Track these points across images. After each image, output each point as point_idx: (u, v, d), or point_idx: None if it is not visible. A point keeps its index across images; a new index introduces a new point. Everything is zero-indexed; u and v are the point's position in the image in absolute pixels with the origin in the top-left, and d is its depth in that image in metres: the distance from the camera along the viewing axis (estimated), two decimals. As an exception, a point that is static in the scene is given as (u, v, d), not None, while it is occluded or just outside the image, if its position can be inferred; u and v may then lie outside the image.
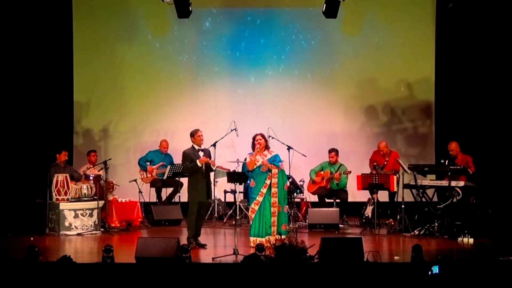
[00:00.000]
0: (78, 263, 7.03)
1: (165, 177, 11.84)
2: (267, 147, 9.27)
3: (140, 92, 13.19)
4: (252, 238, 9.11)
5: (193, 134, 9.32)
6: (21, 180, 11.98)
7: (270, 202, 9.10)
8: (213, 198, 11.95)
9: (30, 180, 11.89)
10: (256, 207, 9.10)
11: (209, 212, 12.08)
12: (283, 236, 8.65)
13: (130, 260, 7.60)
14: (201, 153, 9.26)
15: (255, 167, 9.16)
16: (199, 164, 9.09)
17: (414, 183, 10.46)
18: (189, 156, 9.20)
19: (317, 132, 13.13)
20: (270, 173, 9.12)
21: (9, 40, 12.26)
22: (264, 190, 9.10)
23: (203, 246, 9.13)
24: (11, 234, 10.21)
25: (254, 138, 9.28)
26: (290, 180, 11.07)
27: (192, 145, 9.30)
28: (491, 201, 11.02)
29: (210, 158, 9.42)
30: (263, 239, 8.89)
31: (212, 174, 11.61)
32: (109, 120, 13.12)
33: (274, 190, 9.12)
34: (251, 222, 9.19)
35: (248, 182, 9.40)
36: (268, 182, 9.11)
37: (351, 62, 13.19)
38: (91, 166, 11.44)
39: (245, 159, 12.06)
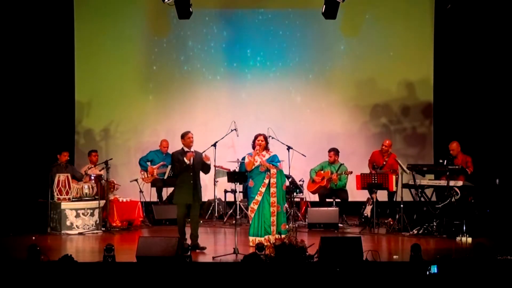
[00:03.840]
0: (79, 262, 7.10)
1: (165, 177, 11.90)
2: (266, 148, 9.30)
3: (141, 92, 13.26)
4: (251, 238, 9.14)
5: (183, 136, 9.31)
6: (23, 180, 12.02)
7: (269, 201, 9.15)
8: (213, 197, 12.04)
9: (32, 179, 11.94)
10: (256, 206, 9.12)
11: (209, 211, 12.16)
12: (282, 236, 8.70)
13: (131, 259, 7.65)
14: None
15: (253, 167, 9.20)
16: (186, 161, 9.03)
17: (413, 183, 10.51)
18: (176, 157, 9.21)
19: (316, 132, 13.18)
20: (268, 173, 9.16)
21: (11, 41, 12.30)
22: (262, 190, 9.13)
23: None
24: (13, 233, 10.27)
25: (255, 138, 9.32)
26: (289, 179, 11.13)
27: (182, 147, 9.31)
28: (490, 201, 11.06)
29: (201, 161, 9.27)
30: (262, 239, 8.93)
31: (212, 173, 11.71)
32: (110, 120, 13.17)
33: (272, 190, 9.15)
34: (250, 222, 9.22)
35: (247, 182, 9.42)
36: (266, 181, 9.15)
37: (350, 62, 13.23)
38: (92, 166, 11.49)
39: (243, 158, 12.15)
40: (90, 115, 13.15)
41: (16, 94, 12.42)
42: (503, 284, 6.77)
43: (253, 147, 9.33)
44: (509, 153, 12.20)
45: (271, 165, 9.15)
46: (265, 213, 9.10)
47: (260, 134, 9.34)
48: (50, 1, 12.63)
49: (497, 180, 10.70)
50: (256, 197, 9.14)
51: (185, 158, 9.06)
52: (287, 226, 9.27)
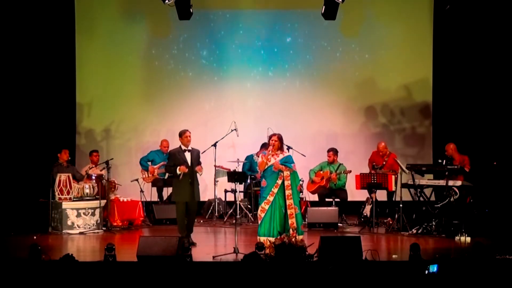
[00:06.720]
0: (80, 262, 7.16)
1: (166, 177, 11.93)
2: (280, 148, 9.11)
3: (141, 92, 13.30)
4: (262, 238, 8.66)
5: (180, 134, 9.48)
6: (24, 180, 12.06)
7: (281, 201, 8.77)
8: (214, 197, 12.08)
9: (33, 179, 11.97)
10: (267, 207, 8.75)
11: (209, 211, 12.20)
12: (301, 236, 8.66)
13: (132, 259, 7.69)
14: (187, 154, 9.38)
15: (266, 167, 8.89)
16: (178, 172, 9.24)
17: (412, 183, 10.54)
18: (174, 156, 9.40)
19: (316, 132, 13.21)
20: (282, 173, 8.81)
21: (12, 43, 12.34)
22: (275, 190, 8.78)
23: (193, 244, 9.14)
24: (14, 233, 10.31)
25: (270, 138, 9.07)
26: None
27: (180, 145, 9.47)
28: (488, 200, 11.10)
29: (198, 158, 9.53)
30: (272, 239, 8.53)
31: (212, 173, 11.78)
32: (111, 121, 13.21)
33: (288, 192, 8.78)
34: (259, 222, 8.85)
35: (260, 181, 9.29)
36: (279, 182, 8.81)
37: (350, 63, 13.27)
38: (93, 165, 11.53)
39: (247, 158, 12.18)
40: (91, 115, 13.19)
41: (17, 95, 12.45)
42: (501, 283, 6.81)
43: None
44: (508, 153, 12.24)
45: (284, 166, 8.81)
46: (277, 214, 8.76)
47: (274, 134, 9.03)
48: (51, 2, 12.67)
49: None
50: (268, 197, 8.77)
51: (178, 170, 9.23)
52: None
